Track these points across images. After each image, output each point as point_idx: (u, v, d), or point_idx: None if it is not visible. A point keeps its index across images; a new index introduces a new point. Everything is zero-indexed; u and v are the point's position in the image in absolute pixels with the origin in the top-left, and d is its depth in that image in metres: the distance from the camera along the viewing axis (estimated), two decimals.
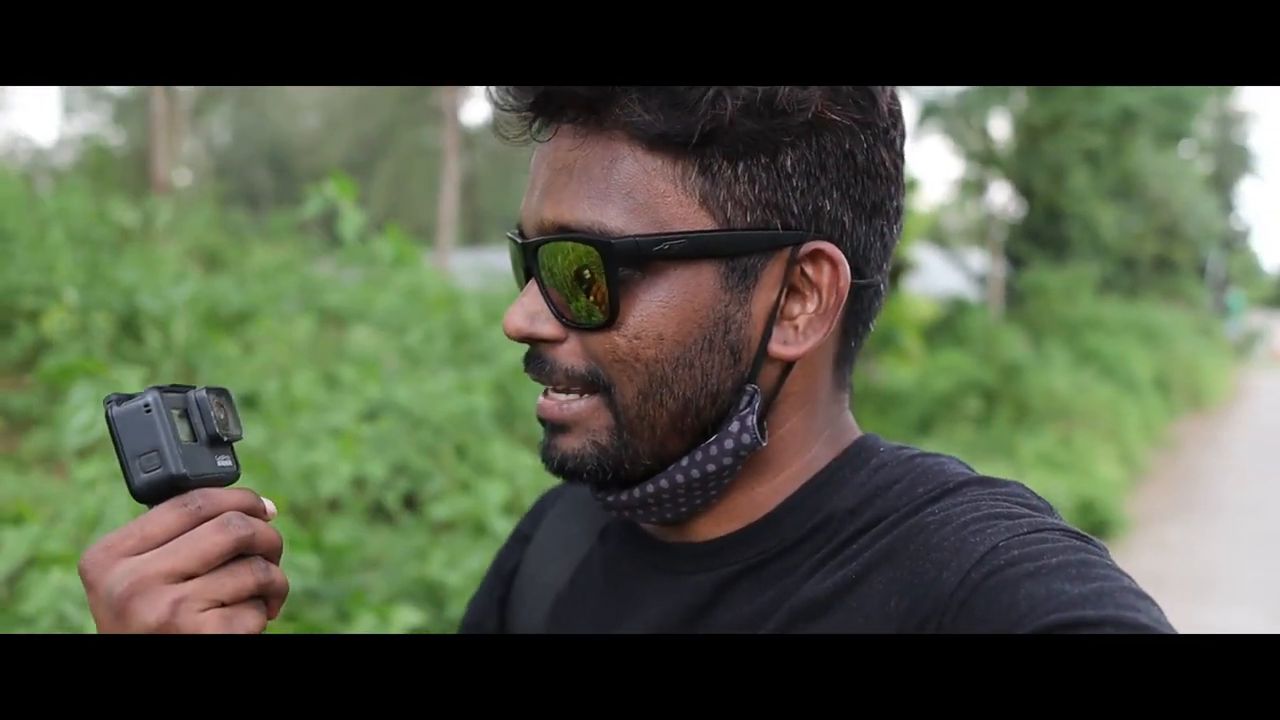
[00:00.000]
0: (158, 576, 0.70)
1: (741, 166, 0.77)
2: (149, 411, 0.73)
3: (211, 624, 0.70)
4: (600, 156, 0.78)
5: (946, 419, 10.01)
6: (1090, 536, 0.75)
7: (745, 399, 0.81)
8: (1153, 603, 0.68)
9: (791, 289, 0.81)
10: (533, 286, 0.82)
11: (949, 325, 12.92)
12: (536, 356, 0.83)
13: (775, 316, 0.81)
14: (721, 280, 0.79)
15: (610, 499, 0.85)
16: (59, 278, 5.60)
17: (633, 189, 0.77)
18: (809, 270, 0.81)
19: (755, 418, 0.81)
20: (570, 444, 0.83)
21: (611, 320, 0.78)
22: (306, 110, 29.13)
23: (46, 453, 4.94)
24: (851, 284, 0.82)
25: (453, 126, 14.65)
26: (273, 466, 3.39)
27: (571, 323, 0.80)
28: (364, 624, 2.78)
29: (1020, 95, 15.64)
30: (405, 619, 2.88)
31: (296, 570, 2.67)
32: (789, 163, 0.78)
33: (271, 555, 0.75)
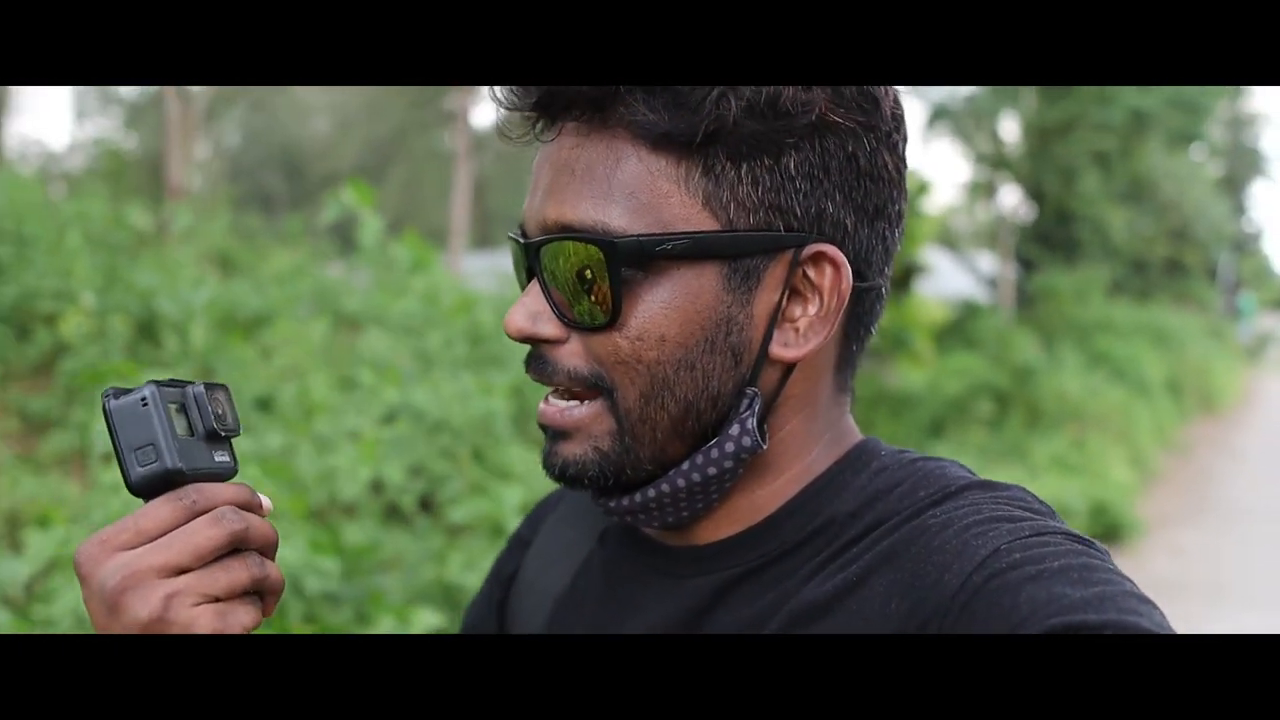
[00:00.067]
0: (150, 571, 0.70)
1: (745, 168, 0.77)
2: (146, 405, 0.73)
3: (204, 619, 0.70)
4: (604, 156, 0.78)
5: (958, 422, 10.00)
6: (1092, 540, 0.75)
7: (746, 402, 0.81)
8: (1155, 607, 0.68)
9: (793, 291, 0.81)
10: (535, 286, 0.81)
11: (960, 328, 12.90)
12: (538, 357, 0.82)
13: (776, 318, 0.80)
14: (724, 281, 0.78)
15: (612, 504, 0.85)
16: (77, 282, 5.63)
17: (636, 189, 0.77)
18: (811, 272, 0.80)
19: (756, 420, 0.80)
20: (572, 450, 0.82)
21: (614, 321, 0.78)
22: (318, 113, 29.20)
23: (64, 455, 4.98)
24: (853, 287, 0.81)
25: (464, 129, 14.68)
26: (293, 471, 3.41)
27: (573, 323, 0.80)
28: (384, 626, 2.81)
29: (1030, 97, 15.63)
30: (425, 621, 2.91)
31: (317, 573, 2.70)
32: (792, 165, 0.78)
33: (267, 551, 0.75)
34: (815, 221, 0.79)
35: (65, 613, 2.59)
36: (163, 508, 0.72)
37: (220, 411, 0.77)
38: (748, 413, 0.80)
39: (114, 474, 2.47)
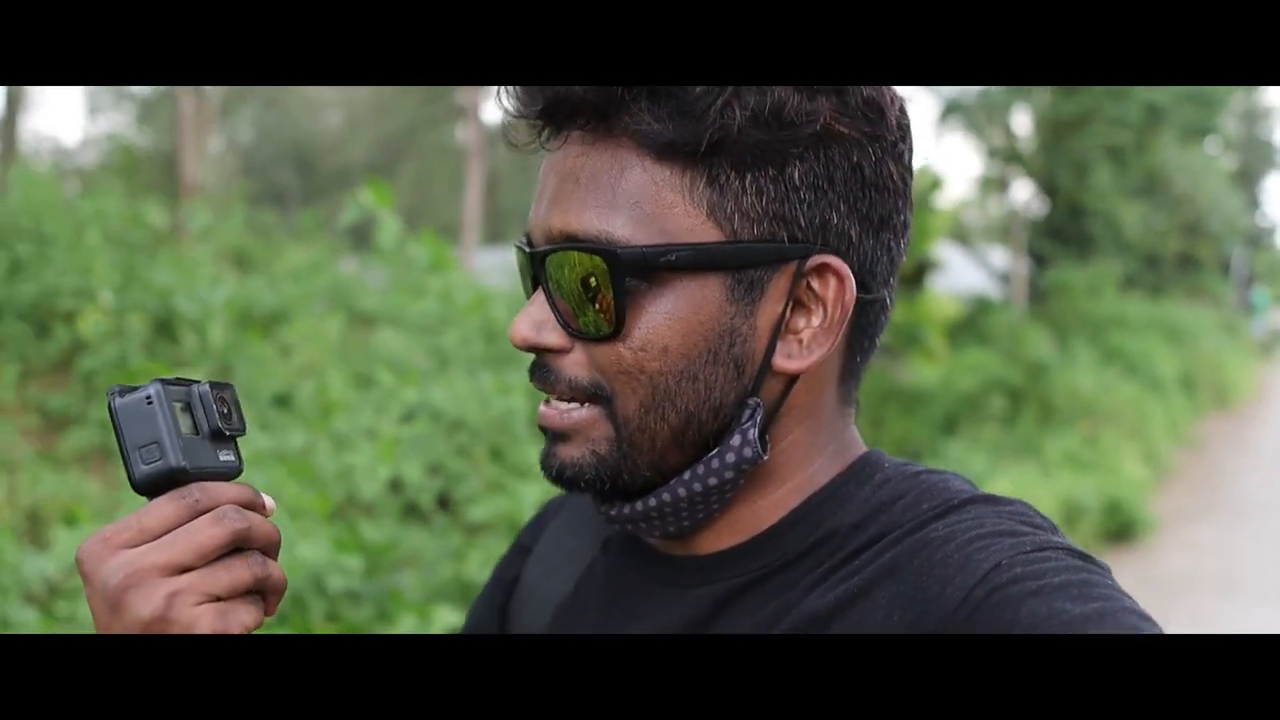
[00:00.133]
0: (153, 569, 0.70)
1: (749, 178, 0.77)
2: (150, 403, 0.73)
3: (206, 618, 0.70)
4: (608, 165, 0.78)
5: (971, 418, 9.99)
6: (1093, 556, 0.75)
7: (747, 412, 0.80)
8: (1154, 623, 0.68)
9: (797, 302, 0.80)
10: (539, 296, 0.81)
11: (972, 324, 12.88)
12: (542, 366, 0.82)
13: (780, 330, 0.80)
14: (727, 292, 0.78)
15: (613, 513, 0.85)
16: (95, 279, 5.67)
17: (640, 199, 0.77)
18: (815, 284, 0.80)
19: (757, 431, 0.80)
20: (570, 453, 0.82)
21: (617, 331, 0.78)
22: (329, 109, 29.24)
23: (84, 452, 5.02)
24: (857, 299, 0.81)
25: (476, 125, 14.69)
26: (314, 469, 3.44)
27: (577, 333, 0.80)
28: (405, 624, 2.83)
29: (1043, 92, 15.57)
30: (444, 619, 2.93)
31: (340, 571, 2.73)
32: (796, 175, 0.77)
33: (269, 550, 0.75)
34: (819, 232, 0.79)
35: (89, 610, 2.62)
36: (166, 506, 0.72)
37: (226, 411, 0.77)
38: (749, 423, 0.80)
39: None
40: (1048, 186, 17.04)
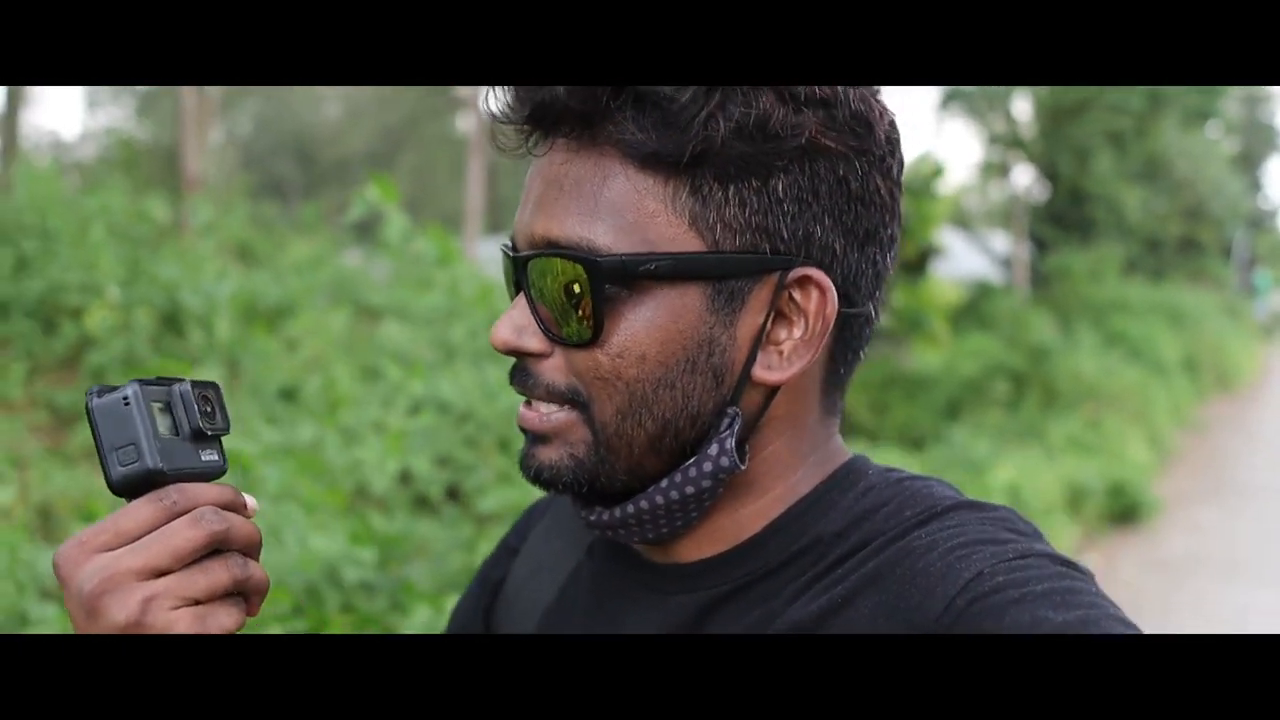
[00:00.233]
0: (128, 573, 0.69)
1: (732, 189, 0.77)
2: (127, 404, 0.72)
3: (184, 622, 0.69)
4: (592, 173, 0.78)
5: (975, 403, 10.00)
6: (1075, 563, 0.76)
7: (725, 421, 0.80)
8: (1138, 630, 0.69)
9: (778, 314, 0.80)
10: (521, 300, 0.81)
11: (974, 309, 12.89)
12: (522, 369, 0.82)
13: (760, 341, 0.80)
14: (708, 302, 0.78)
15: (592, 518, 0.85)
16: (101, 275, 5.68)
17: (623, 207, 0.77)
18: (797, 296, 0.80)
19: (734, 441, 0.80)
20: (548, 455, 0.82)
21: (596, 337, 0.78)
22: (329, 100, 29.21)
23: (93, 447, 5.03)
24: (840, 312, 0.81)
25: (477, 115, 14.67)
26: (325, 463, 3.47)
27: (557, 338, 0.80)
28: (419, 615, 2.86)
29: None
30: None
31: (355, 563, 2.76)
32: (780, 187, 0.77)
33: (250, 551, 0.74)
34: (803, 245, 0.79)
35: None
36: (143, 509, 0.71)
37: (209, 410, 0.76)
38: (727, 433, 0.80)
39: None
40: (1049, 171, 17.04)
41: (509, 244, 0.84)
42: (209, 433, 0.76)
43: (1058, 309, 14.36)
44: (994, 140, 17.22)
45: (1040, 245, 17.45)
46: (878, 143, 0.80)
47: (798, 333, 0.81)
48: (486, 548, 3.51)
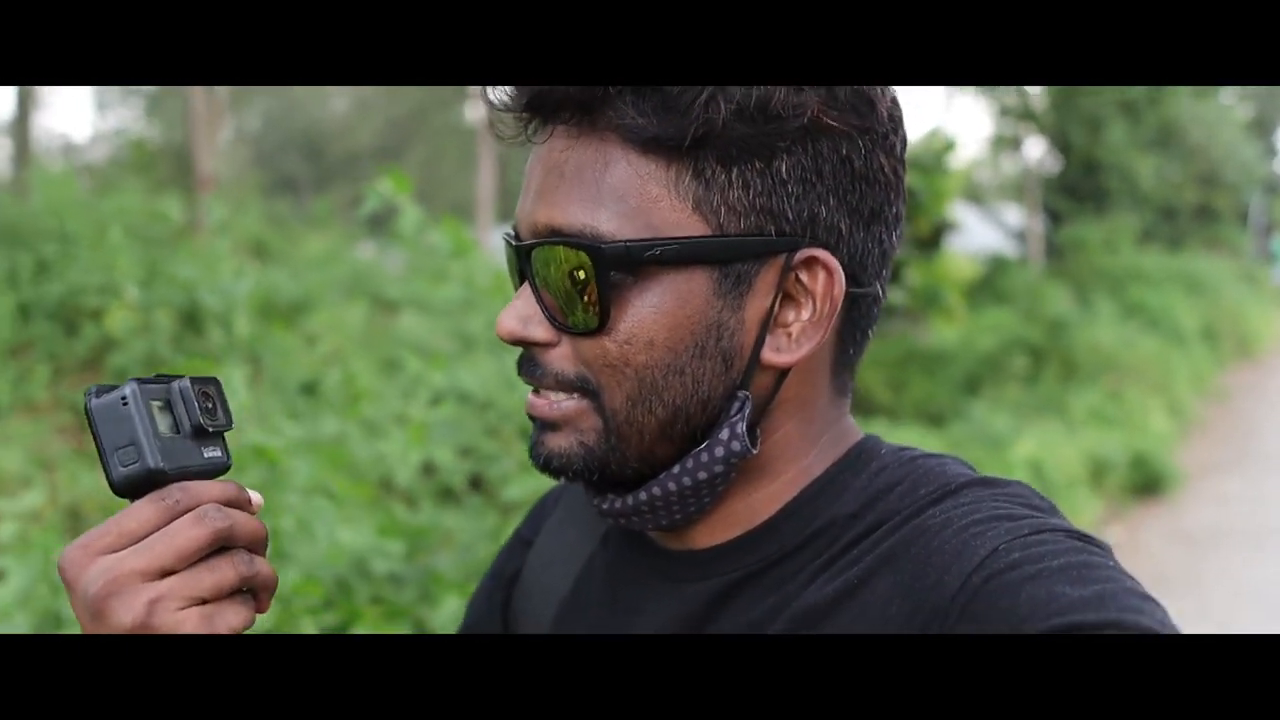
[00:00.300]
0: (133, 575, 0.68)
1: (735, 171, 0.76)
2: (126, 404, 0.72)
3: (191, 622, 0.69)
4: (593, 159, 0.77)
5: (993, 378, 9.97)
6: (1092, 536, 0.75)
7: (736, 405, 0.80)
8: (1157, 604, 0.68)
9: (786, 296, 0.80)
10: (526, 289, 0.81)
11: (990, 283, 12.84)
12: (529, 359, 0.82)
13: (768, 323, 0.80)
14: (714, 286, 0.78)
15: (605, 506, 0.85)
16: (120, 276, 5.71)
17: (625, 193, 0.76)
18: (804, 277, 0.79)
19: (745, 425, 0.80)
20: (558, 443, 0.82)
21: (602, 325, 0.77)
22: (336, 95, 29.22)
23: None
24: (848, 292, 0.81)
25: (485, 104, 14.63)
26: (349, 456, 3.49)
27: (563, 327, 0.79)
28: (448, 605, 2.87)
29: None
30: None
31: (383, 555, 2.77)
32: (784, 168, 0.77)
33: (256, 547, 0.74)
34: (808, 225, 0.78)
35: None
36: (145, 509, 0.71)
37: (210, 406, 0.75)
38: (737, 416, 0.80)
39: None
40: (1060, 143, 16.93)
41: (511, 233, 0.84)
42: (210, 429, 0.75)
43: (1074, 281, 14.29)
44: (1005, 113, 17.12)
45: (1054, 217, 17.36)
46: (880, 120, 0.80)
47: (806, 314, 0.80)
48: None
